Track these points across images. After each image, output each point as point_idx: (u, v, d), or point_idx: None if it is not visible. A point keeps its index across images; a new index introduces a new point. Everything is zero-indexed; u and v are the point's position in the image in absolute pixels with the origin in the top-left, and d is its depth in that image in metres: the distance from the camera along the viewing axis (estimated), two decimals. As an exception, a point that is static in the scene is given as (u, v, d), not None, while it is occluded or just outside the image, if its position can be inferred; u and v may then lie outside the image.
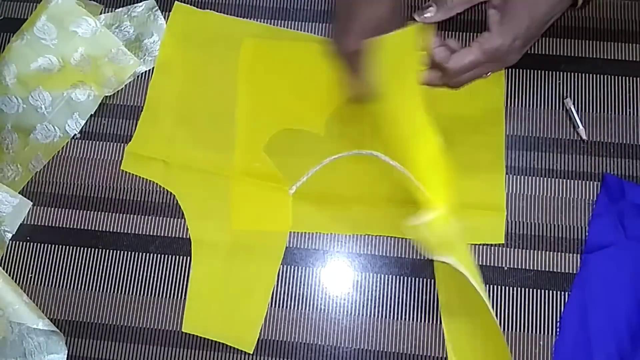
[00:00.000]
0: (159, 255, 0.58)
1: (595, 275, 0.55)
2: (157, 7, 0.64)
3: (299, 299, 0.57)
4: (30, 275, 0.58)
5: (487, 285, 0.56)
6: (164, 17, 0.63)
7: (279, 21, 0.63)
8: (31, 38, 0.60)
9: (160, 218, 0.59)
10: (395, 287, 0.57)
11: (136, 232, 0.59)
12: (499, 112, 0.60)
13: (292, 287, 0.57)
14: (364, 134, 0.58)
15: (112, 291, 0.57)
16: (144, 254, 0.58)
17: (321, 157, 0.58)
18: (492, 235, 0.57)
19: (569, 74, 0.61)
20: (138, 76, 0.62)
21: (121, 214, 0.59)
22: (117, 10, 0.64)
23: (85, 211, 0.59)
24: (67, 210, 0.59)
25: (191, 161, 0.59)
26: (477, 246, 0.57)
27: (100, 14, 0.64)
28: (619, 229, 0.56)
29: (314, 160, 0.58)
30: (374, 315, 0.56)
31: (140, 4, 0.64)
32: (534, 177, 0.58)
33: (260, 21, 0.63)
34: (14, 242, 0.58)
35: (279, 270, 0.57)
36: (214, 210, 0.58)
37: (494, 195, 0.58)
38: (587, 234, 0.57)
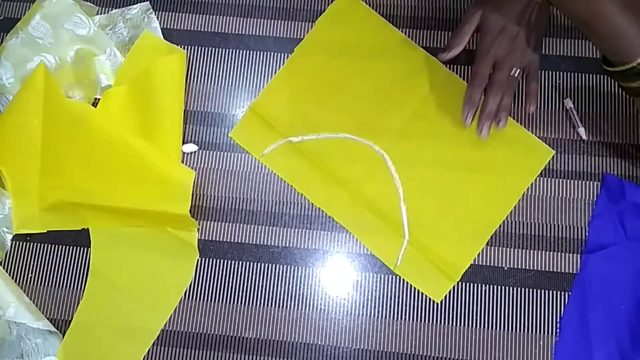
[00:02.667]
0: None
1: (596, 276, 0.55)
2: (151, 10, 0.63)
3: (299, 299, 0.57)
4: (30, 275, 0.58)
5: (488, 285, 0.56)
6: (158, 20, 0.63)
7: (279, 21, 0.63)
8: (26, 37, 0.60)
9: (160, 218, 0.59)
10: (395, 287, 0.57)
11: (136, 232, 0.59)
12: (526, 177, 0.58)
13: (292, 287, 0.57)
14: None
15: (111, 291, 0.57)
16: (144, 254, 0.58)
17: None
18: (432, 290, 0.56)
19: (569, 74, 0.61)
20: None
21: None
22: (111, 11, 0.64)
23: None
24: (66, 210, 0.59)
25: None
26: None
27: (96, 14, 0.64)
28: (619, 230, 0.56)
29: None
30: (374, 315, 0.56)
31: (134, 6, 0.64)
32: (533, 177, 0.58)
33: (261, 21, 0.63)
34: (14, 242, 0.58)
35: (280, 269, 0.57)
36: (121, 246, 0.58)
37: (459, 260, 0.57)
38: (587, 234, 0.57)
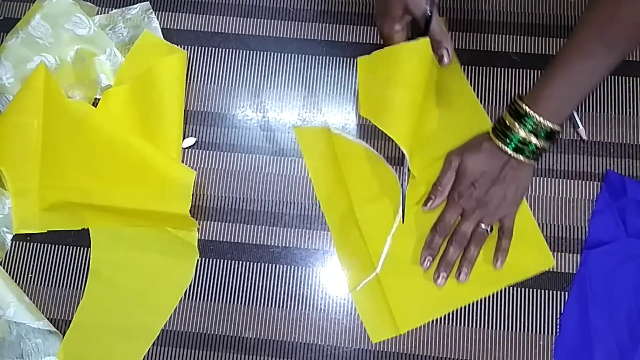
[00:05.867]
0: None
1: (596, 272, 0.55)
2: (151, 10, 0.64)
3: (299, 299, 0.57)
4: (30, 275, 0.58)
5: (487, 285, 0.56)
6: (158, 20, 0.63)
7: (279, 21, 0.63)
8: (26, 37, 0.60)
9: (160, 218, 0.59)
10: (396, 287, 0.56)
11: (136, 232, 0.59)
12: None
13: (292, 287, 0.57)
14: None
15: (111, 291, 0.57)
16: (144, 254, 0.58)
17: None
18: (373, 329, 0.55)
19: (568, 74, 0.61)
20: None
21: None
22: (111, 11, 0.64)
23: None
24: (66, 210, 0.59)
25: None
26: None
27: (96, 14, 0.64)
28: (619, 226, 0.56)
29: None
30: (374, 315, 0.56)
31: (134, 6, 0.64)
32: (534, 177, 0.58)
33: (261, 21, 0.63)
34: (14, 242, 0.58)
35: (280, 269, 0.57)
36: (121, 246, 0.58)
37: (414, 315, 0.55)
38: (587, 232, 0.57)
